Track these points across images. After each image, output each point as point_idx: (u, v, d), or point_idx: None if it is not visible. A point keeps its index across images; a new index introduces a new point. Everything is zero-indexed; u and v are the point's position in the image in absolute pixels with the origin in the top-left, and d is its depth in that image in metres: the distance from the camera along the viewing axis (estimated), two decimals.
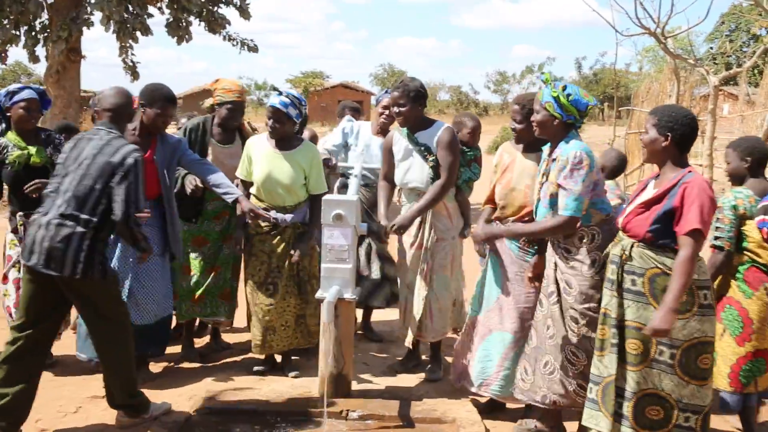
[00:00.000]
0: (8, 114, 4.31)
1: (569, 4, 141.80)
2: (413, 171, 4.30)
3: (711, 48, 33.00)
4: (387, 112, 4.95)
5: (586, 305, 3.46)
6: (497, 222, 3.96)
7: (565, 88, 3.45)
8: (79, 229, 3.42)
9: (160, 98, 4.17)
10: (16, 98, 4.25)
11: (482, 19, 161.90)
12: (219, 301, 4.68)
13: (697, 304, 3.10)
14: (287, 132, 4.32)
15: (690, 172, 3.10)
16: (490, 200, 4.06)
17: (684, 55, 14.89)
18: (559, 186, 3.41)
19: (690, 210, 2.99)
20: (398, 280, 4.61)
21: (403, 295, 4.46)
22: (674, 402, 3.13)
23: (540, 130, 3.57)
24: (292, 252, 4.32)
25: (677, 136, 3.11)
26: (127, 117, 3.77)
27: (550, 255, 3.63)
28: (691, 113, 3.24)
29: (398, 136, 4.38)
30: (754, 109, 11.35)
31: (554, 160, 3.49)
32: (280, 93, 4.25)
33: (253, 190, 4.38)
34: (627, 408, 3.18)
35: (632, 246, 3.17)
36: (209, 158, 4.57)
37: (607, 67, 51.05)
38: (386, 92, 5.04)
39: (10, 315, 4.36)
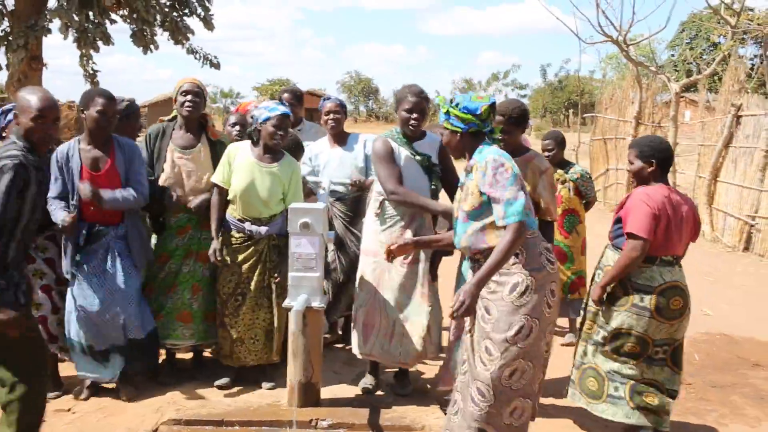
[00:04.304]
0: (3, 135, 4.11)
1: (534, 11, 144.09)
2: (412, 180, 4.12)
3: (672, 55, 33.62)
4: (331, 116, 4.97)
5: (505, 335, 3.10)
6: None
7: (452, 100, 3.33)
8: None
9: (95, 96, 4.00)
10: (10, 116, 4.05)
11: (448, 26, 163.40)
12: (177, 323, 4.43)
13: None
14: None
15: (650, 186, 3.75)
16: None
17: (646, 62, 15.19)
18: (488, 196, 3.12)
19: (627, 216, 3.70)
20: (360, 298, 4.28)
21: (390, 318, 4.12)
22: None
23: (452, 151, 3.42)
24: (275, 275, 4.29)
25: (659, 160, 3.75)
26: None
27: (468, 276, 3.35)
28: (665, 140, 3.94)
29: (395, 145, 4.18)
30: (714, 116, 11.59)
31: (469, 171, 3.26)
32: (281, 102, 4.26)
33: (229, 196, 4.30)
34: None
35: (606, 247, 3.95)
36: (167, 164, 4.43)
37: (571, 74, 51.74)
38: (327, 98, 5.12)
39: None
